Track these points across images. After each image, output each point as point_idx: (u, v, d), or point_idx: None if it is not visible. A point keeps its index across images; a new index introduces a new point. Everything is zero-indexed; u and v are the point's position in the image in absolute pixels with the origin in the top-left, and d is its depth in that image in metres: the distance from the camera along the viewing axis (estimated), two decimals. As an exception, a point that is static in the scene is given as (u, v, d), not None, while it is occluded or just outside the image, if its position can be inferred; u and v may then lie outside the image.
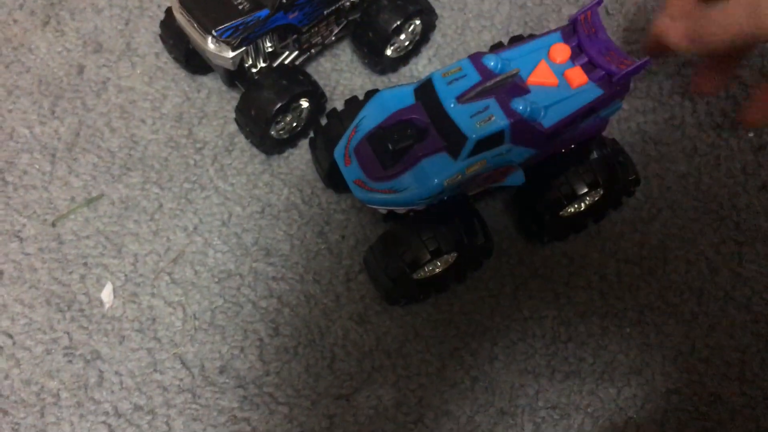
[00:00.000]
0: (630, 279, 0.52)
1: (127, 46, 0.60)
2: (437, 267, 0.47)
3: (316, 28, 0.55)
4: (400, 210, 0.44)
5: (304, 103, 0.54)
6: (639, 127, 0.58)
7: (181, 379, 0.49)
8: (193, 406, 0.49)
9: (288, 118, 0.54)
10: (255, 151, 0.56)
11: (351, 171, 0.44)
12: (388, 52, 0.58)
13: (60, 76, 0.58)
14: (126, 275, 0.52)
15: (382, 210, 0.45)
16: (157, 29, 0.59)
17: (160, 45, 0.60)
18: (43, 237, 0.53)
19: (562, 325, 0.51)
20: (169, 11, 0.56)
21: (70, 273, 0.52)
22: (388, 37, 0.56)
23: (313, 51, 0.57)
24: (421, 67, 0.60)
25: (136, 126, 0.57)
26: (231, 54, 0.50)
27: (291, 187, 0.55)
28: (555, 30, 0.45)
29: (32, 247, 0.52)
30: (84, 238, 0.53)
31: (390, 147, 0.42)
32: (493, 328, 0.51)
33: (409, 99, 0.44)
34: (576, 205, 0.50)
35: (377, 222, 0.54)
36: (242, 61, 0.52)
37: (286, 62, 0.55)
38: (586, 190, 0.47)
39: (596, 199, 0.50)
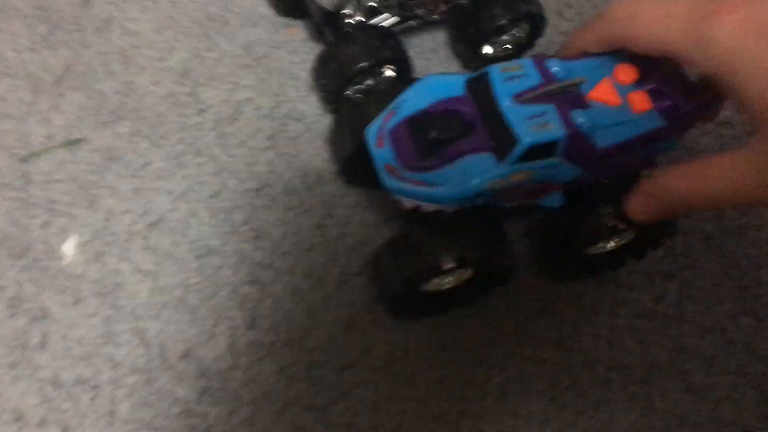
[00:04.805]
0: (641, 333, 0.49)
1: (142, -12, 0.55)
2: (449, 282, 0.43)
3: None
4: (428, 207, 0.39)
5: (389, 72, 0.49)
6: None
7: (136, 357, 0.43)
8: (145, 389, 0.42)
9: (369, 82, 0.49)
10: (261, 125, 0.51)
11: (383, 154, 0.39)
12: (488, 50, 0.53)
13: (62, 5, 0.53)
14: (95, 231, 0.46)
15: (408, 204, 0.40)
16: (178, -23, 0.54)
17: (177, -6, 0.55)
18: (8, 172, 0.47)
19: (564, 371, 0.47)
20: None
21: (32, 217, 0.46)
22: (490, 34, 0.51)
23: (411, 22, 0.52)
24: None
25: (136, 73, 0.51)
26: None
27: (295, 170, 0.50)
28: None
29: (-6, 180, 0.46)
30: (55, 182, 0.47)
31: (434, 135, 0.38)
32: (489, 362, 0.46)
33: (459, 89, 0.40)
34: (600, 246, 0.46)
35: (384, 223, 0.49)
36: (340, 7, 0.48)
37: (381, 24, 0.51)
38: (620, 229, 0.43)
39: (623, 242, 0.46)
